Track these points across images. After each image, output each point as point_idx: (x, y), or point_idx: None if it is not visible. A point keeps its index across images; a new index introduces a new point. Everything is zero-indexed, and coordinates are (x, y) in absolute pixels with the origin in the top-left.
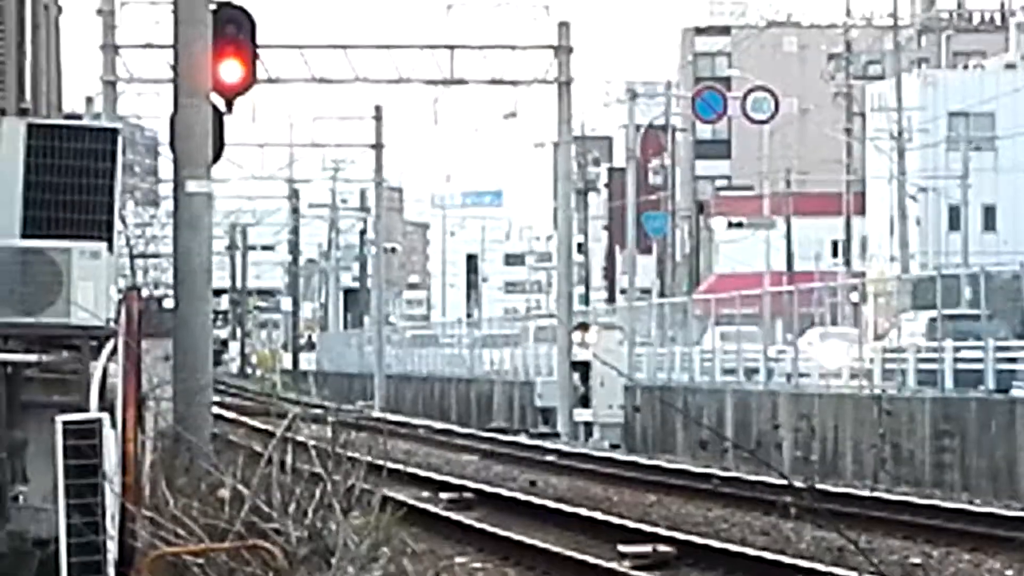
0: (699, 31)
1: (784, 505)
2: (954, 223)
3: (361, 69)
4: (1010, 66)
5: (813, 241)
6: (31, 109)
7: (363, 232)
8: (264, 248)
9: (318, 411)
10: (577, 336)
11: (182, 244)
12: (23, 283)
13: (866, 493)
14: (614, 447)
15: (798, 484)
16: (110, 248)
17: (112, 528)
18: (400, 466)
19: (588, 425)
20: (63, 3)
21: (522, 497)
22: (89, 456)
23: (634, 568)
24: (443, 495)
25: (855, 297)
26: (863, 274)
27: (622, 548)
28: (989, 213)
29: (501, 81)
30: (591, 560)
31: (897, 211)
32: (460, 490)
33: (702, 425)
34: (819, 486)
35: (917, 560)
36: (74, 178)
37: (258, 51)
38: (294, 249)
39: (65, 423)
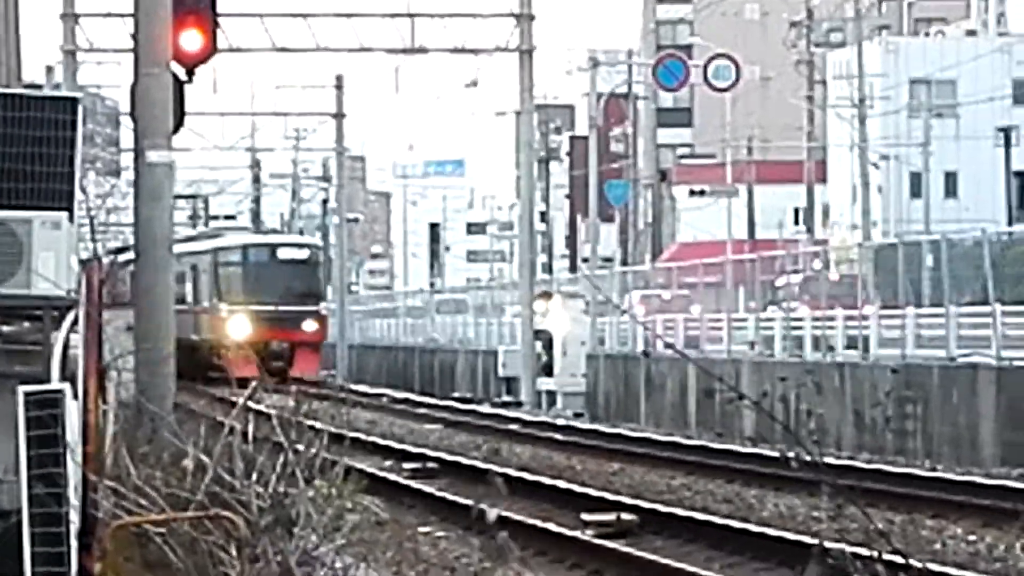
0: None
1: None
2: (916, 190)
3: (322, 38)
4: (971, 33)
5: (775, 209)
6: None
7: (325, 202)
8: (226, 218)
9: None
10: (540, 305)
11: (143, 215)
12: None
13: (829, 461)
14: (577, 416)
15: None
16: (71, 218)
17: (75, 498)
18: (363, 436)
19: (551, 394)
20: None
21: (485, 466)
22: (51, 427)
23: (597, 536)
24: (406, 464)
25: (818, 264)
26: (825, 242)
27: (585, 516)
28: (951, 180)
29: (463, 50)
30: (554, 529)
31: (859, 178)
32: (423, 459)
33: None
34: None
35: (880, 524)
36: (34, 148)
37: (219, 20)
38: (256, 219)
39: (27, 394)
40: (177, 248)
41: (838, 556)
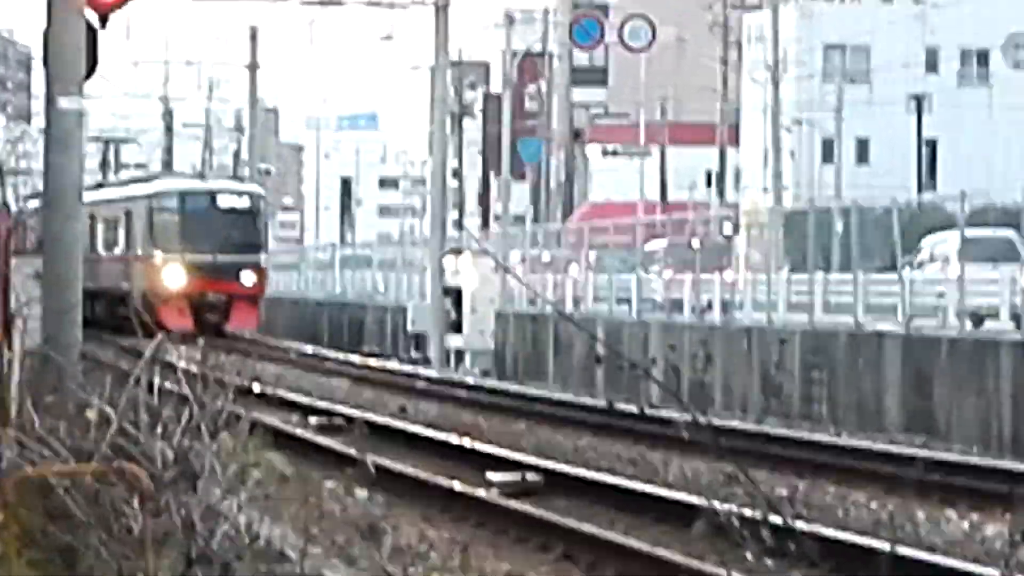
0: None
1: (670, 439)
2: (828, 156)
3: None
4: None
5: (688, 171)
6: None
7: (237, 153)
8: (137, 167)
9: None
10: (450, 262)
11: (53, 163)
12: None
13: (736, 424)
14: (485, 374)
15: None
16: None
17: None
18: (269, 389)
19: (460, 352)
20: None
21: (392, 423)
22: None
23: (502, 496)
24: (312, 419)
25: (728, 228)
26: (736, 205)
27: (491, 476)
28: (862, 146)
29: (378, 3)
30: (459, 487)
31: (771, 143)
32: (329, 415)
33: (596, 339)
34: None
35: (784, 490)
36: None
37: None
38: (167, 169)
39: None
40: (111, 192)
41: (725, 516)
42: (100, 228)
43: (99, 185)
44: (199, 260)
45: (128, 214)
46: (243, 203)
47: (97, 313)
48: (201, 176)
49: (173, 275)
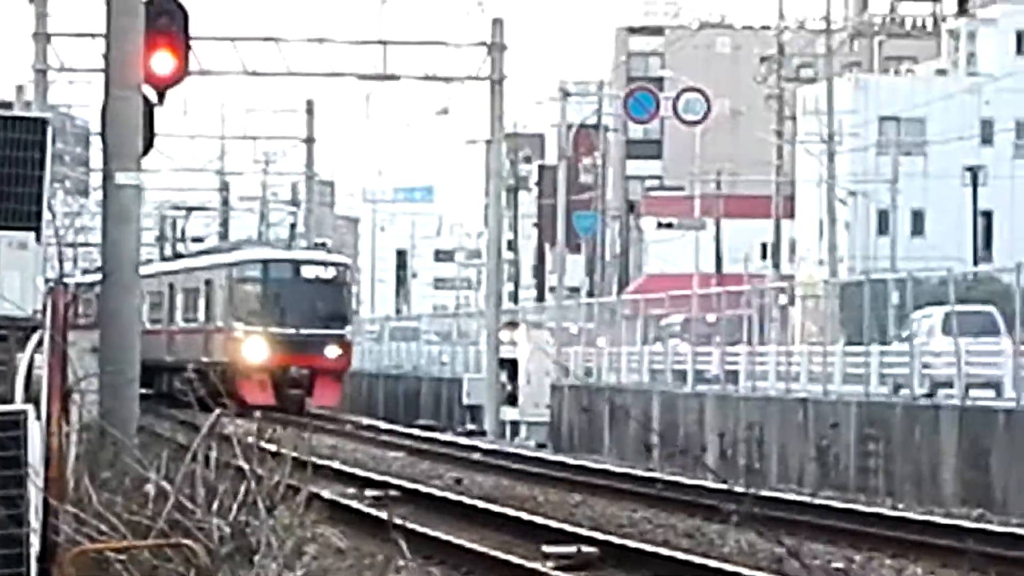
0: (633, 31)
1: (727, 512)
2: (883, 227)
3: (294, 62)
4: (941, 72)
5: (742, 243)
6: None
7: (293, 226)
8: (194, 240)
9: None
10: (505, 334)
11: (111, 236)
12: None
13: (791, 496)
14: (540, 446)
15: (741, 490)
16: (38, 238)
17: (35, 522)
18: (326, 462)
19: (515, 424)
20: None
21: (447, 495)
22: (13, 448)
23: (558, 569)
24: (368, 492)
25: (783, 300)
26: (792, 277)
27: (546, 548)
28: (918, 218)
29: (434, 77)
30: (515, 560)
31: (826, 214)
32: (385, 487)
33: (650, 429)
34: (746, 490)
35: (840, 564)
36: (3, 167)
37: (190, 43)
38: (223, 240)
39: None
40: (190, 262)
41: None
42: (179, 299)
43: (178, 255)
44: (282, 333)
45: (208, 284)
46: (329, 273)
47: (174, 387)
48: (287, 245)
49: (254, 348)
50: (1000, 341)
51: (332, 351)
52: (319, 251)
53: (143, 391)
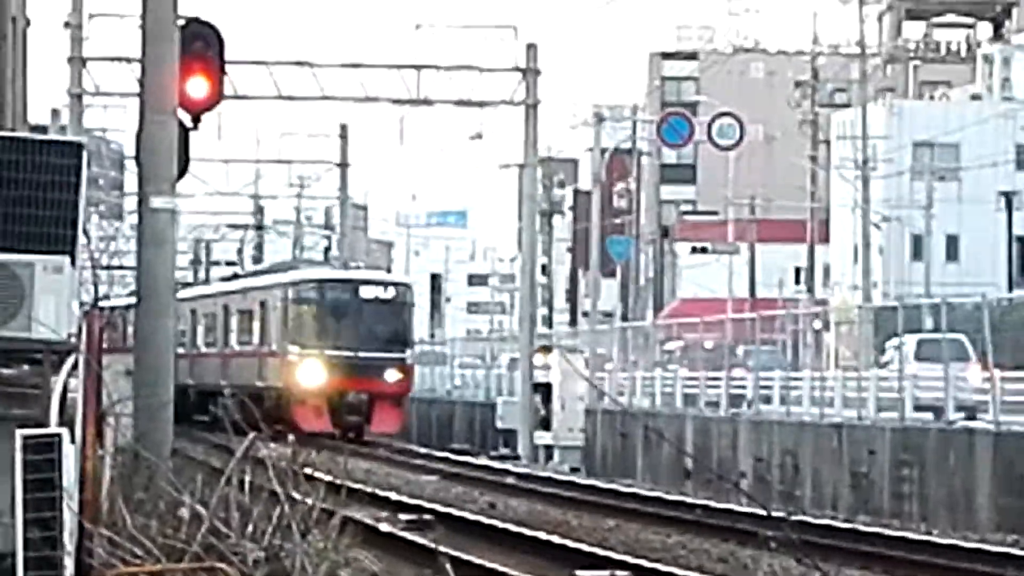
0: (666, 56)
1: (765, 538)
2: (917, 252)
3: (328, 87)
4: (976, 97)
5: (776, 268)
6: None
7: (327, 250)
8: (228, 264)
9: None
10: (539, 359)
11: (145, 260)
12: None
13: (825, 522)
14: (574, 470)
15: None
16: (73, 262)
17: (69, 544)
18: (360, 486)
19: (548, 448)
20: (31, 15)
21: (481, 519)
22: (48, 471)
23: None
24: (402, 516)
25: (818, 325)
26: (826, 302)
27: (580, 573)
28: (952, 243)
29: (468, 102)
30: None
31: (861, 239)
32: (419, 511)
33: (685, 453)
34: (781, 514)
35: None
36: (38, 191)
37: (225, 67)
38: (257, 261)
39: (25, 437)
40: (245, 283)
41: None
42: (234, 321)
43: (235, 275)
44: (339, 356)
45: (263, 305)
46: (389, 294)
47: (229, 412)
48: (344, 265)
49: (311, 372)
50: (969, 367)
51: (392, 375)
52: (378, 271)
53: (200, 418)
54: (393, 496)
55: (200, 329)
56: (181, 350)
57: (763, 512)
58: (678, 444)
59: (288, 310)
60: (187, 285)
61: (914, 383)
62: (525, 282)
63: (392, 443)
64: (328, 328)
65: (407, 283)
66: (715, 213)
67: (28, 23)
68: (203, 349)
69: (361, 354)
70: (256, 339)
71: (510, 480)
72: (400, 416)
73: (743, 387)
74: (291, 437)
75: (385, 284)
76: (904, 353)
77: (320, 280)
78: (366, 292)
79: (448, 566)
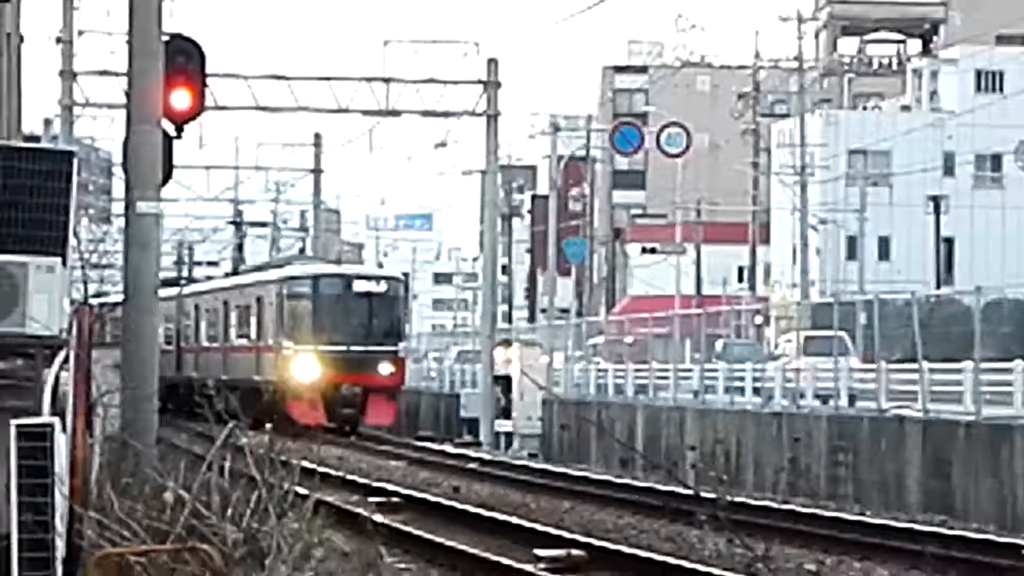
0: (618, 70)
1: (701, 521)
2: (851, 253)
3: (302, 98)
4: (905, 108)
5: (721, 267)
6: None
7: (302, 250)
8: (209, 264)
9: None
10: (499, 352)
11: (132, 262)
12: None
13: (766, 503)
14: (532, 456)
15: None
16: (64, 263)
17: (61, 527)
18: (332, 471)
19: (508, 435)
20: (24, 32)
21: (446, 502)
22: (40, 458)
23: (549, 571)
24: (372, 499)
25: (758, 320)
26: (766, 299)
27: (538, 552)
28: (884, 244)
29: (433, 113)
30: (509, 563)
31: (799, 241)
32: (388, 495)
33: (622, 443)
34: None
35: (812, 567)
36: (32, 197)
37: (206, 80)
38: (237, 265)
39: (19, 427)
40: (244, 278)
41: None
42: (233, 316)
43: (235, 271)
44: (333, 350)
45: (259, 301)
46: (381, 288)
47: (231, 406)
48: (336, 260)
49: (305, 366)
50: (849, 360)
51: (385, 368)
52: (370, 266)
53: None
54: (364, 480)
55: (203, 324)
56: (185, 344)
57: (702, 495)
58: (628, 431)
59: (283, 305)
60: (192, 281)
61: (805, 375)
62: (487, 281)
63: (364, 432)
64: (322, 323)
65: (399, 277)
66: (664, 216)
67: (22, 39)
68: (205, 343)
69: (354, 348)
70: (253, 334)
71: (473, 466)
72: (394, 408)
73: (689, 378)
74: (267, 426)
75: (378, 278)
76: (792, 349)
77: (314, 275)
78: (359, 286)
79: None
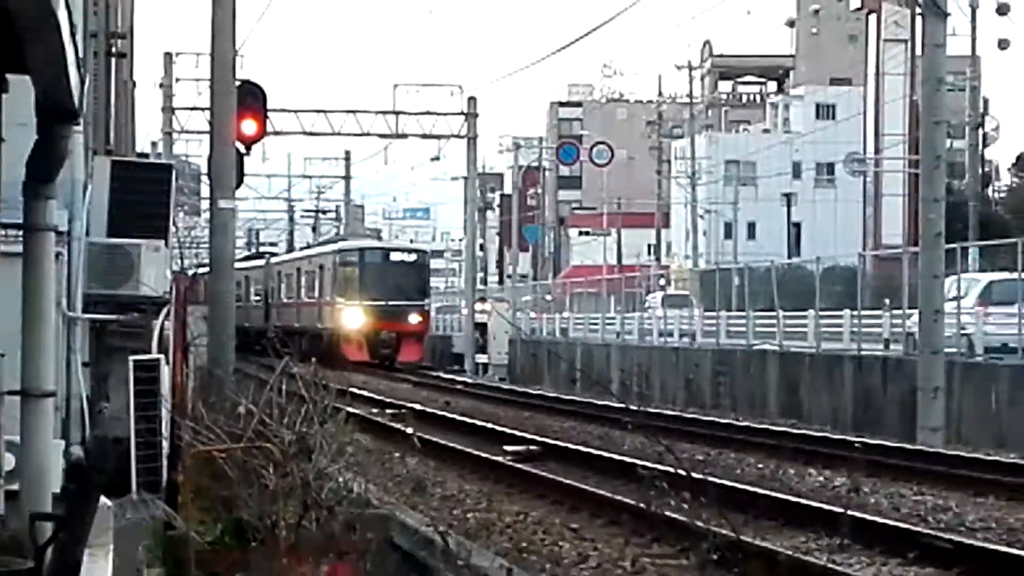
0: (562, 104)
1: (624, 424)
2: (728, 234)
3: (336, 125)
4: (766, 131)
5: (635, 245)
6: (114, 150)
7: (337, 234)
8: (270, 244)
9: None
10: (478, 306)
11: (214, 244)
12: (109, 267)
13: (669, 412)
14: (502, 380)
15: (632, 407)
16: (166, 244)
17: (165, 432)
18: (358, 391)
19: (485, 366)
20: (136, 79)
21: (440, 412)
22: (150, 384)
23: (514, 461)
24: (388, 411)
25: (663, 282)
26: (668, 267)
27: (506, 447)
28: (751, 228)
29: (430, 135)
30: (484, 455)
31: (691, 226)
32: (398, 407)
33: (576, 369)
34: (640, 408)
35: (701, 457)
36: (142, 197)
37: (267, 113)
38: (290, 246)
39: (135, 361)
40: (312, 251)
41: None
42: (303, 280)
43: (308, 245)
44: (374, 304)
45: (321, 268)
46: (411, 258)
47: (303, 348)
48: (378, 237)
49: (353, 317)
50: (694, 313)
51: (414, 318)
52: (404, 242)
53: (286, 351)
54: (381, 398)
55: (283, 286)
56: (271, 300)
57: (623, 405)
58: (570, 361)
59: (337, 271)
60: (274, 254)
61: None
62: (468, 255)
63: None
64: (366, 283)
65: (425, 250)
66: (594, 209)
67: (135, 85)
68: (284, 300)
69: (390, 303)
70: (316, 292)
71: (459, 387)
72: (421, 349)
73: (613, 323)
74: (312, 360)
75: (408, 251)
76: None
77: (360, 248)
78: (394, 257)
79: (416, 440)
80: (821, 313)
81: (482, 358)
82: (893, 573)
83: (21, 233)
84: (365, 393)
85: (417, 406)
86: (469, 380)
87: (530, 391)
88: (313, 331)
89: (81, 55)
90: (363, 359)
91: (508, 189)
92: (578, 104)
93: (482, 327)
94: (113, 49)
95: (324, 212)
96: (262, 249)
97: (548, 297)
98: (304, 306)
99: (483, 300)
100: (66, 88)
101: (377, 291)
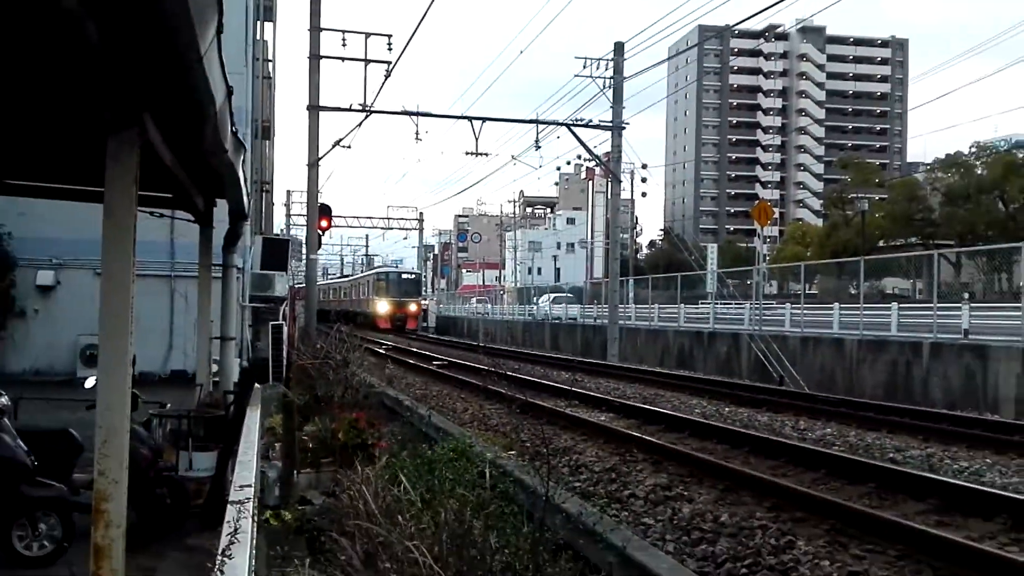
0: (460, 216)
1: (478, 349)
2: (530, 272)
3: (366, 225)
4: (546, 228)
5: (490, 277)
6: (262, 230)
7: (371, 267)
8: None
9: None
10: (424, 302)
11: (307, 275)
12: (261, 284)
13: (503, 347)
14: (434, 332)
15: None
16: (286, 272)
17: (284, 356)
18: (372, 340)
19: (426, 327)
20: (268, 188)
21: (406, 347)
22: (279, 335)
23: (437, 368)
24: (387, 352)
25: (502, 293)
26: (504, 287)
27: (434, 362)
28: (540, 270)
29: (405, 228)
30: (424, 365)
31: (515, 268)
32: (390, 348)
33: (464, 330)
34: (487, 344)
35: (516, 365)
36: (275, 252)
37: (332, 217)
38: (341, 273)
39: (272, 325)
40: (359, 275)
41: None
42: (355, 290)
43: (350, 275)
44: (393, 300)
45: (367, 281)
46: (411, 276)
47: (358, 322)
48: (396, 265)
49: (382, 306)
50: (575, 307)
51: (413, 307)
52: (406, 267)
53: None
54: (382, 342)
55: (351, 292)
56: (344, 298)
57: (479, 344)
58: (468, 326)
59: (373, 284)
60: (345, 277)
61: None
62: (422, 279)
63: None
64: (389, 289)
65: (419, 272)
66: (473, 260)
67: (273, 203)
68: (350, 298)
69: (401, 299)
70: (364, 295)
71: (414, 336)
72: (417, 322)
73: (481, 309)
74: (350, 325)
75: (411, 272)
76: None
77: (386, 272)
78: (404, 276)
79: (389, 361)
80: (568, 305)
81: (425, 324)
82: (601, 418)
83: (222, 268)
84: (377, 339)
85: (398, 345)
86: (423, 334)
87: (443, 338)
88: (364, 313)
89: (249, 189)
90: (388, 327)
91: (437, 250)
92: (467, 216)
93: (427, 310)
94: (264, 186)
95: (369, 256)
96: (335, 274)
97: (454, 297)
98: (358, 302)
99: (426, 299)
100: (242, 204)
101: (394, 292)
